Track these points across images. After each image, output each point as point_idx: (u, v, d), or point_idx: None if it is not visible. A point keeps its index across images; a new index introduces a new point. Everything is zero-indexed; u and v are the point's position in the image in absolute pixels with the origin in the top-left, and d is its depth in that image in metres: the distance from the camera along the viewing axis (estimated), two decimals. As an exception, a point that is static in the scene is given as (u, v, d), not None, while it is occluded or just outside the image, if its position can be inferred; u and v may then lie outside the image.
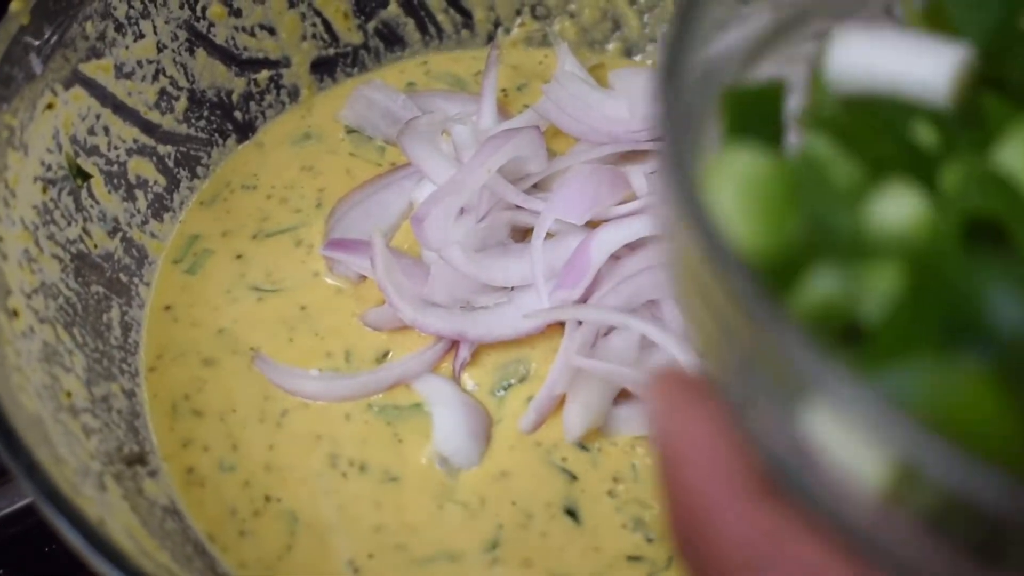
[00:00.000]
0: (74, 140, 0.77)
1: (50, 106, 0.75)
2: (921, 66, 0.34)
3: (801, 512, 0.30)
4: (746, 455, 0.32)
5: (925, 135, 0.33)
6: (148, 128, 0.83)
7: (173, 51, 0.84)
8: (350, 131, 0.89)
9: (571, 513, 0.71)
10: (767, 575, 0.30)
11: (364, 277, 0.80)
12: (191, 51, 0.85)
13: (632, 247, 0.76)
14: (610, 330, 0.74)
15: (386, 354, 0.77)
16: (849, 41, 0.34)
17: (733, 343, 0.30)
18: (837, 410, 0.28)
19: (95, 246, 0.78)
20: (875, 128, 0.33)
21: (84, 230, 0.77)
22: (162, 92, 0.84)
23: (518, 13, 0.94)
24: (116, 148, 0.80)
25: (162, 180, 0.83)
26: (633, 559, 0.69)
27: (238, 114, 0.88)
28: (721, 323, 0.31)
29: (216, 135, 0.87)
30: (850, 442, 0.28)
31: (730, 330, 0.30)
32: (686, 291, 0.33)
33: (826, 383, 0.27)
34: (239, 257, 0.82)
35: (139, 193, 0.82)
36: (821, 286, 0.31)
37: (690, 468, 0.32)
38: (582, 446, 0.73)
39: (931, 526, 0.29)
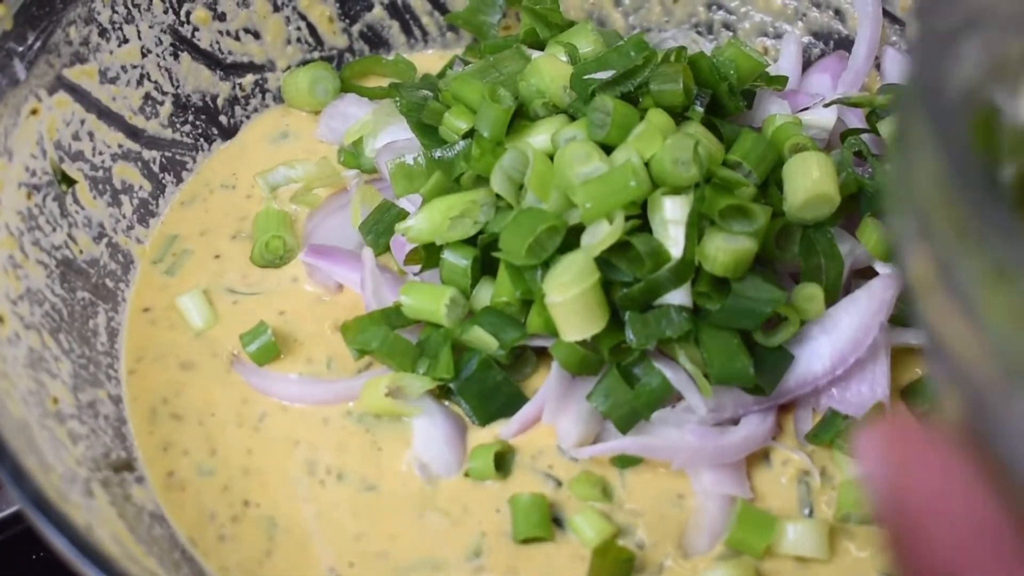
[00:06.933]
0: (59, 146, 0.77)
1: (34, 112, 0.75)
2: None
3: None
4: (1006, 513, 0.26)
5: None
6: (133, 133, 0.82)
7: (158, 56, 0.83)
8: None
9: (556, 520, 0.70)
10: None
11: (342, 286, 0.80)
12: (175, 56, 0.85)
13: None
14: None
15: (369, 365, 0.76)
16: None
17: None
18: None
19: (80, 252, 0.77)
20: None
21: (69, 236, 0.77)
22: (147, 97, 0.83)
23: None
24: (101, 153, 0.80)
25: (147, 185, 0.83)
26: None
27: (223, 118, 0.88)
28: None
29: (201, 139, 0.87)
30: None
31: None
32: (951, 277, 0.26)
33: None
34: (217, 257, 0.82)
35: (124, 198, 0.82)
36: None
37: (941, 533, 0.26)
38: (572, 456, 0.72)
39: None
